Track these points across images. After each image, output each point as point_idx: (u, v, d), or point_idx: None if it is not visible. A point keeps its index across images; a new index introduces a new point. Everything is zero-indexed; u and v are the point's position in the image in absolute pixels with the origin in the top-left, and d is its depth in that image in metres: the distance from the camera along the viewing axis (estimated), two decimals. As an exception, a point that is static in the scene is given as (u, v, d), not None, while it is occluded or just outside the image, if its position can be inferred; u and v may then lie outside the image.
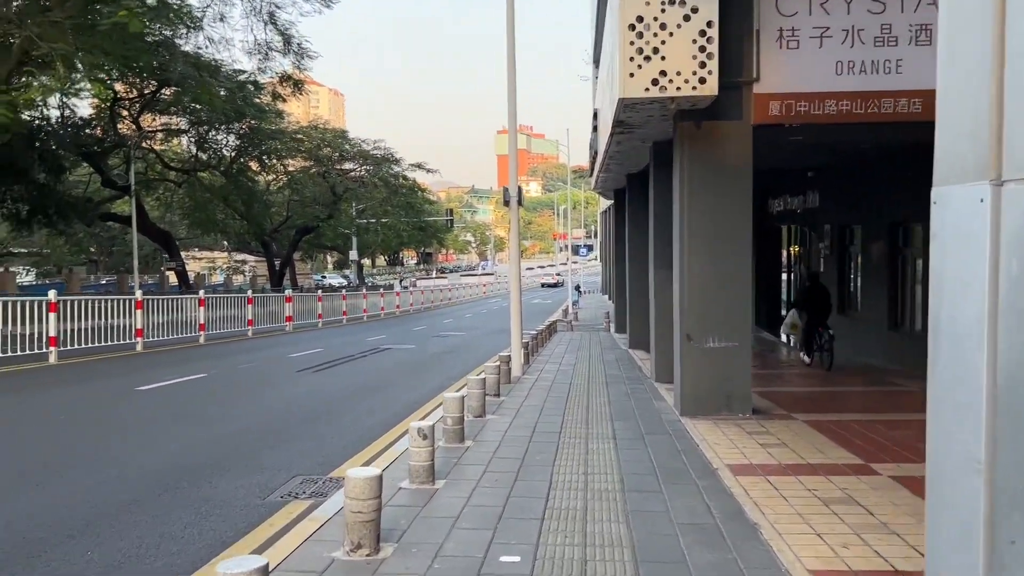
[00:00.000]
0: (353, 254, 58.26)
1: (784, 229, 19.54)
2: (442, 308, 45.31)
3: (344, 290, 37.85)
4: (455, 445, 6.92)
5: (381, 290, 40.44)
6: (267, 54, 28.33)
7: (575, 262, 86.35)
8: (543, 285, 79.01)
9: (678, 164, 8.42)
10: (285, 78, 30.20)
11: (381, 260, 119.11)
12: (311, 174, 44.86)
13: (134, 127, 37.11)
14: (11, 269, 41.68)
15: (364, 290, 39.02)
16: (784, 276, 19.81)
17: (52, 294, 14.79)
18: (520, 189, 11.60)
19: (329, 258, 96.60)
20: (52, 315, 14.55)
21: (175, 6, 18.62)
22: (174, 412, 9.35)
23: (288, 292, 26.95)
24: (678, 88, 7.27)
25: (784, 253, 19.89)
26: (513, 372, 11.76)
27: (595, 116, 17.42)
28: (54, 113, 34.25)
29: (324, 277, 77.58)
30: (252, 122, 37.13)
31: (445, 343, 20.61)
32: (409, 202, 48.02)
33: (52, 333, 14.49)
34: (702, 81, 7.26)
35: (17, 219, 32.27)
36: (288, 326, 25.76)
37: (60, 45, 15.42)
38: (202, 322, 20.19)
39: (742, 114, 8.02)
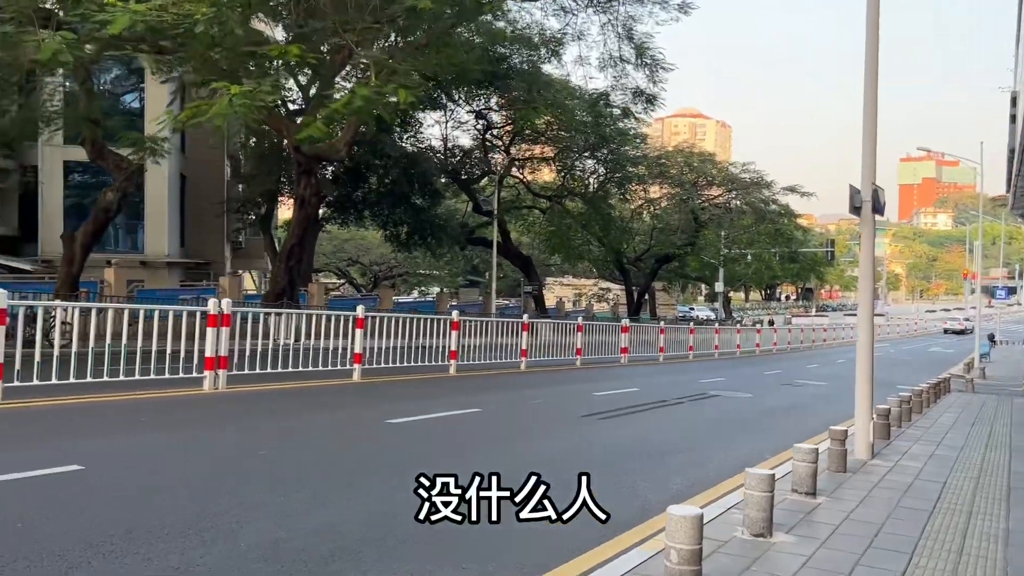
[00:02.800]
0: (719, 286, 54.96)
1: None
2: (812, 350, 39.95)
3: (695, 324, 34.95)
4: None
5: (738, 326, 36.66)
6: (621, 68, 27.08)
7: (989, 306, 72.63)
8: (946, 331, 67.26)
9: None
10: (638, 93, 28.47)
11: (756, 294, 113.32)
12: (671, 200, 42.88)
13: (505, 155, 38.53)
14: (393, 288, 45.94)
15: (717, 325, 35.66)
16: None
17: (360, 309, 14.39)
18: (877, 192, 7.96)
19: (703, 289, 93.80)
20: (359, 331, 14.13)
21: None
22: (380, 455, 7.59)
23: (624, 322, 24.92)
24: None
25: None
26: (855, 454, 8.10)
27: (1013, 102, 12.68)
28: (435, 142, 36.99)
29: (692, 309, 75.10)
30: (614, 147, 36.30)
31: (794, 395, 16.79)
32: (778, 229, 43.40)
33: (358, 350, 14.06)
34: None
35: (398, 240, 35.05)
36: (623, 358, 23.71)
37: (375, 52, 15.23)
38: (523, 348, 19.00)
39: None
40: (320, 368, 13.66)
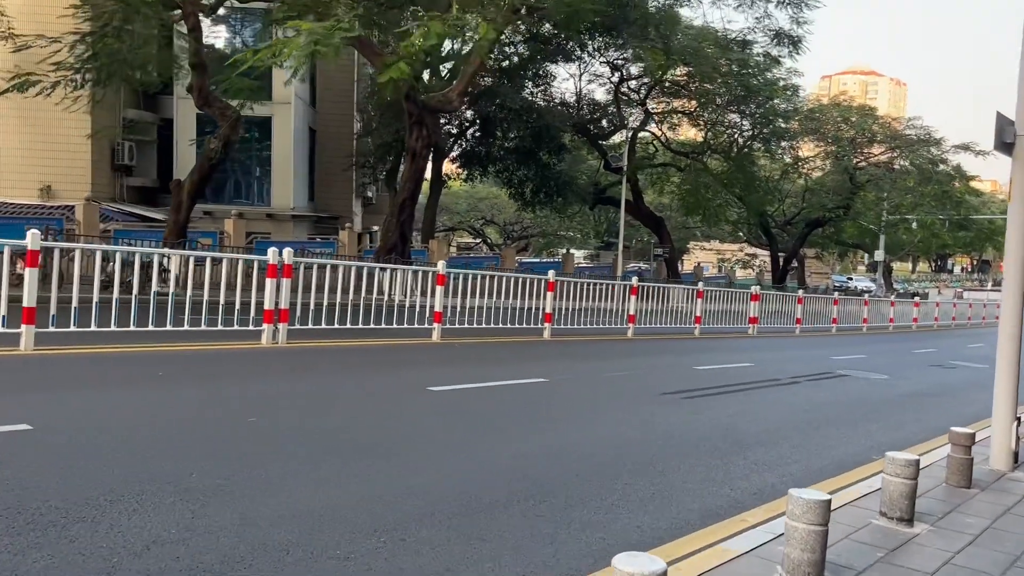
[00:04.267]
0: (879, 254, 50.45)
1: None
2: (979, 328, 35.66)
3: (843, 295, 31.91)
4: None
5: (892, 299, 33.13)
6: (762, 7, 24.41)
7: None
8: None
9: None
10: (780, 35, 25.72)
11: (925, 265, 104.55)
12: (826, 158, 39.22)
13: (641, 109, 36.49)
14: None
15: (866, 297, 32.37)
16: None
17: (441, 265, 13.45)
18: (1041, 120, 6.00)
19: (864, 258, 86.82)
20: (440, 288, 13.21)
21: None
22: (402, 429, 6.57)
23: (755, 289, 22.77)
24: None
25: None
26: (991, 463, 6.29)
27: None
28: (569, 97, 35.46)
29: (849, 279, 69.82)
30: (762, 99, 33.44)
31: (942, 378, 14.43)
32: (945, 191, 38.68)
33: (438, 308, 13.16)
34: None
35: (523, 198, 34.02)
36: (751, 329, 21.68)
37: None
38: (631, 313, 17.52)
39: None
40: (396, 326, 12.89)
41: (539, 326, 15.40)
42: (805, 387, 11.53)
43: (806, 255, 53.90)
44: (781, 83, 34.16)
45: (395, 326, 12.93)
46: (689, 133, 41.46)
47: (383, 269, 13.23)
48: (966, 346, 23.42)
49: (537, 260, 42.00)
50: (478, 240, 55.86)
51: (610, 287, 17.89)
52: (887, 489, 4.66)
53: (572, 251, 46.86)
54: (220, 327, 10.80)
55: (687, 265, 54.98)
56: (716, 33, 29.17)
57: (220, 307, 10.85)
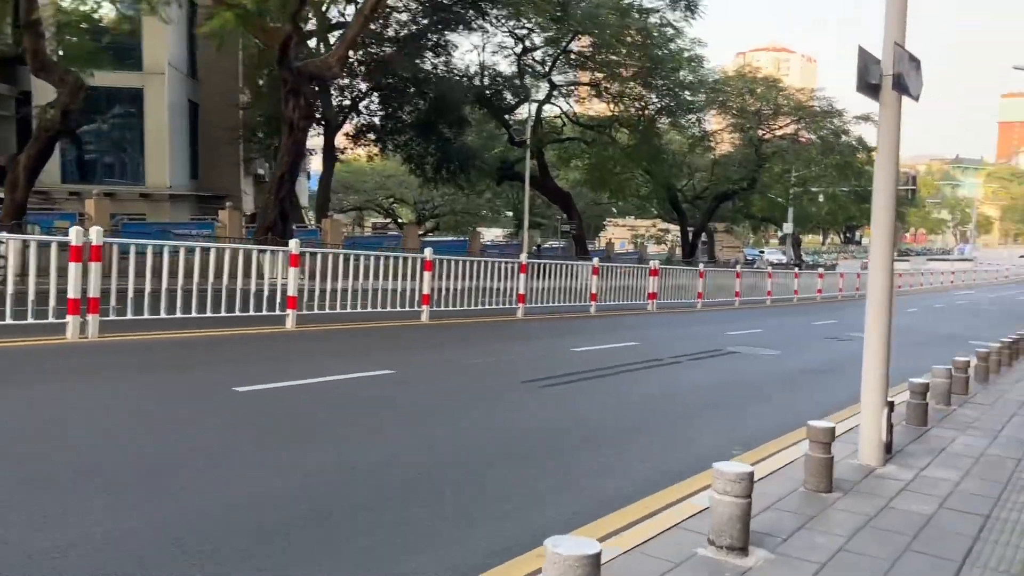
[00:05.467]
0: (787, 227, 50.94)
1: None
2: (883, 298, 36.09)
3: (742, 267, 31.79)
4: None
5: (796, 271, 33.16)
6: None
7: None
8: None
9: None
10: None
11: (836, 238, 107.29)
12: (732, 131, 39.06)
13: (546, 82, 35.47)
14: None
15: (770, 269, 32.31)
16: None
17: (293, 244, 12.11)
18: (902, 60, 5.11)
19: (776, 231, 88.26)
20: (293, 270, 11.88)
21: None
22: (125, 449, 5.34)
23: (653, 264, 22.10)
24: None
25: None
26: (860, 456, 5.46)
27: None
28: (474, 68, 34.15)
29: (762, 252, 70.85)
30: (668, 71, 32.83)
31: (837, 352, 13.89)
32: (847, 162, 38.97)
33: (291, 292, 11.83)
34: None
35: (424, 174, 32.63)
36: (650, 305, 21.00)
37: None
38: (520, 292, 16.51)
39: None
40: (249, 313, 11.52)
41: (417, 309, 14.23)
42: (686, 367, 10.71)
43: (716, 229, 54.17)
44: (686, 54, 33.64)
45: (249, 313, 11.58)
46: (598, 107, 40.71)
47: (222, 250, 11.75)
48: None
49: (444, 239, 40.78)
50: (388, 220, 54.20)
51: (499, 265, 16.82)
52: (715, 510, 3.68)
53: (480, 230, 45.71)
54: (28, 320, 9.28)
55: (602, 242, 54.53)
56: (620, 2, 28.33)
57: (30, 297, 9.32)
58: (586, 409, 7.40)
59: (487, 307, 15.97)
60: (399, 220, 53.60)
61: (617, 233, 62.12)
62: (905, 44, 5.27)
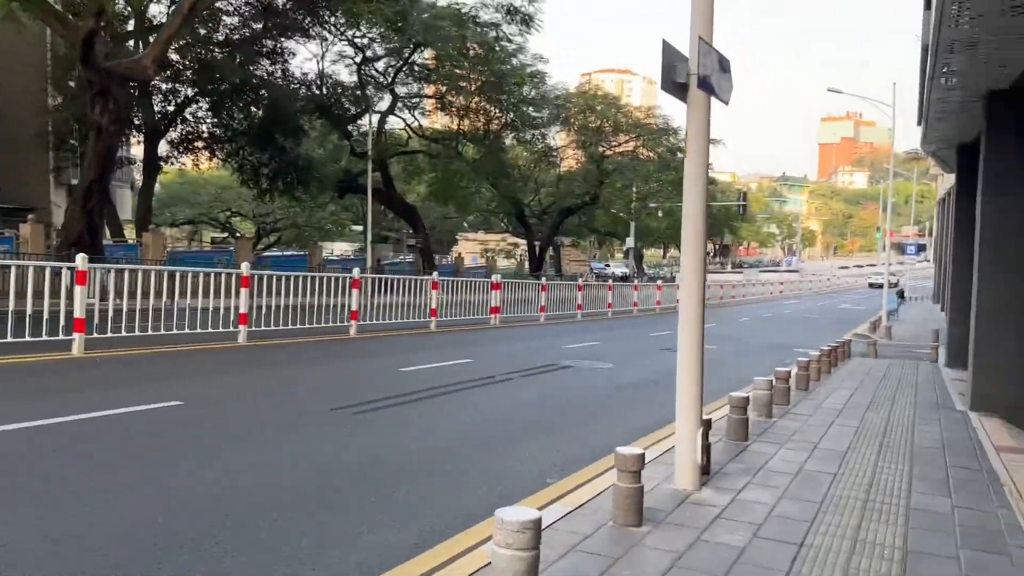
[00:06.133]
0: (629, 241, 52.52)
1: None
2: (719, 308, 37.75)
3: (584, 282, 32.24)
4: None
5: (636, 283, 34.00)
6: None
7: (901, 263, 72.35)
8: (871, 285, 66.17)
9: None
10: (511, 11, 25.12)
11: (676, 252, 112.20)
12: (575, 147, 39.76)
13: (389, 94, 34.67)
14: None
15: (611, 282, 32.95)
16: None
17: (80, 260, 10.74)
18: (708, 59, 4.85)
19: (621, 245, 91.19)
20: (80, 288, 10.52)
21: None
22: None
23: (495, 278, 21.79)
24: None
25: None
26: (676, 480, 5.12)
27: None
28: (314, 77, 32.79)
29: (607, 265, 72.88)
30: (512, 86, 32.84)
31: (670, 363, 13.89)
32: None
33: (78, 314, 10.45)
34: None
35: (259, 186, 30.97)
36: (493, 319, 20.62)
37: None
38: (353, 309, 15.63)
39: None
40: (13, 340, 10.06)
41: (234, 329, 13.08)
42: (516, 385, 10.26)
43: (563, 243, 55.05)
44: (529, 69, 33.84)
45: (26, 339, 10.12)
46: (445, 121, 40.35)
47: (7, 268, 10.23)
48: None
49: (282, 254, 38.96)
50: (225, 235, 51.36)
51: (330, 280, 15.87)
52: (497, 567, 3.11)
53: (326, 244, 44.12)
54: None
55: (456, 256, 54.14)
56: (456, 11, 28.00)
57: None
58: (394, 440, 6.72)
59: (317, 325, 14.99)
60: (238, 234, 50.96)
61: (468, 247, 61.95)
62: (712, 41, 5.00)
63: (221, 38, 29.12)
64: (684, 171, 5.17)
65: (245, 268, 13.08)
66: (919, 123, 13.36)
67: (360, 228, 52.60)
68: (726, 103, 5.31)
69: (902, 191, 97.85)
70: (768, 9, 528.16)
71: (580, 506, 4.74)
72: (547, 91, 36.04)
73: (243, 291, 12.94)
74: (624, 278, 49.93)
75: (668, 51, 4.76)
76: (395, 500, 4.99)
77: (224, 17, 28.81)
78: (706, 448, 5.29)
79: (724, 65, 5.19)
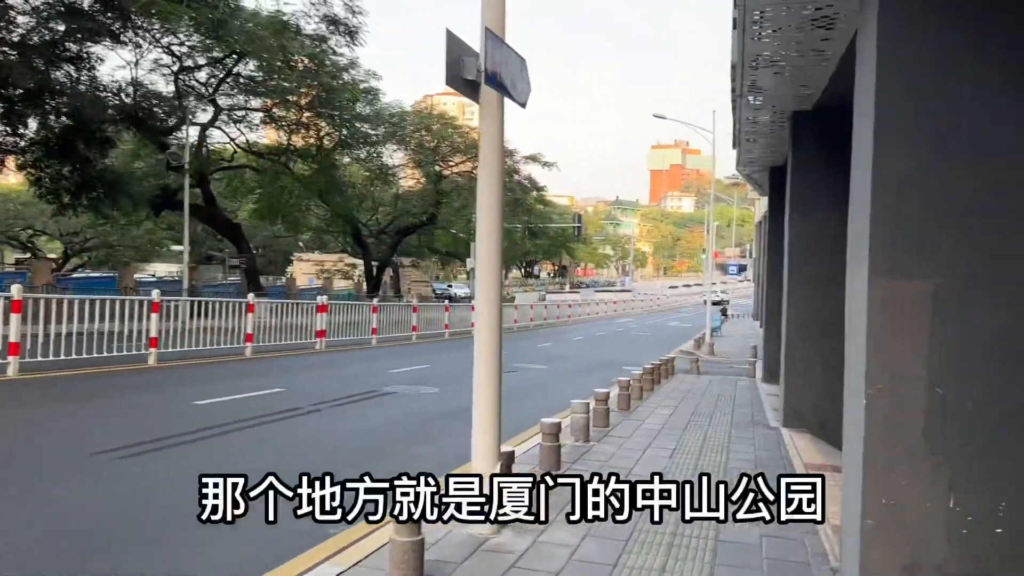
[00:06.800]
0: (470, 261, 52.37)
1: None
2: (554, 328, 38.17)
3: (419, 302, 31.69)
4: None
5: (473, 304, 33.72)
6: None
7: (724, 282, 76.78)
8: (715, 303, 69.64)
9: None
10: (334, 22, 24.35)
11: (517, 272, 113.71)
12: (412, 166, 39.14)
13: (211, 106, 32.63)
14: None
15: (447, 303, 32.56)
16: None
17: None
18: (503, 46, 4.39)
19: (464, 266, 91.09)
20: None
21: None
22: None
23: (322, 300, 20.71)
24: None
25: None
26: (471, 526, 4.54)
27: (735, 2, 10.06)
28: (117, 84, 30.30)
29: (450, 286, 72.47)
30: (344, 102, 31.79)
31: (503, 383, 13.48)
32: (517, 200, 40.89)
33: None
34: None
35: (59, 200, 28.08)
36: (319, 343, 19.50)
37: None
38: (152, 335, 14.13)
39: None
40: None
41: (4, 361, 11.38)
42: (326, 417, 9.42)
43: (403, 264, 54.10)
44: (362, 85, 32.95)
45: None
46: (275, 136, 38.59)
47: None
48: (536, 347, 23.91)
49: (88, 275, 35.74)
50: (27, 256, 46.59)
51: (121, 304, 14.31)
52: None
53: (143, 265, 40.91)
54: None
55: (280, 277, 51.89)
56: (277, 20, 26.73)
57: None
58: (147, 493, 5.73)
59: (111, 355, 13.41)
60: (41, 255, 46.40)
61: (304, 268, 59.64)
62: (505, 37, 4.53)
63: (16, 39, 26.31)
64: (479, 177, 4.64)
65: (16, 291, 11.42)
66: (734, 146, 13.75)
67: (179, 248, 49.37)
68: (523, 105, 4.85)
69: (725, 215, 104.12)
70: (609, 37, 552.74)
71: (357, 563, 4.06)
72: (382, 108, 35.24)
73: (13, 317, 11.29)
74: (468, 298, 49.74)
75: (454, 43, 4.22)
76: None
77: (18, 16, 26.05)
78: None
79: (520, 65, 4.73)
